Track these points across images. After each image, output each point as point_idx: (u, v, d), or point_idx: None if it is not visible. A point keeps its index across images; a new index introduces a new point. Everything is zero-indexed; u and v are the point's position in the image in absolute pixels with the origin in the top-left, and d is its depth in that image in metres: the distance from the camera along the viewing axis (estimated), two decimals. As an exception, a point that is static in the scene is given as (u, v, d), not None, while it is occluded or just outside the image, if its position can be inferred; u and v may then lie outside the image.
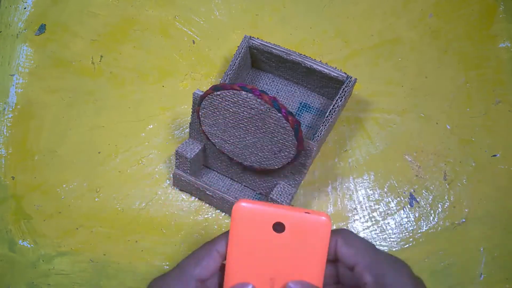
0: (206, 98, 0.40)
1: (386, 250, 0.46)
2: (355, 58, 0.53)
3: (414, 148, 0.49)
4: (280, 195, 0.43)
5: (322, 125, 0.43)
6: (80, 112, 0.53)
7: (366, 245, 0.31)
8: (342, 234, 0.31)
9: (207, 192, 0.45)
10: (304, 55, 0.45)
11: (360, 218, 0.48)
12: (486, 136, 0.49)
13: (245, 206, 0.30)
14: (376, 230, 0.47)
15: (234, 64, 0.46)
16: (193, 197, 0.49)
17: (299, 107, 0.50)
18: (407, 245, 0.46)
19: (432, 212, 0.47)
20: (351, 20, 0.54)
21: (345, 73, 0.45)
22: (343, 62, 0.53)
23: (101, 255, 0.47)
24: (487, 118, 0.50)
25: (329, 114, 0.43)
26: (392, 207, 0.48)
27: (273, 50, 0.46)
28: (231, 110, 0.39)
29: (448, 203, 0.47)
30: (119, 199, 0.49)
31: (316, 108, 0.49)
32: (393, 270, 0.30)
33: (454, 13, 0.54)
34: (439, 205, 0.47)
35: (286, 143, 0.39)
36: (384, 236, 0.47)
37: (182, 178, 0.46)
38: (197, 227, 0.48)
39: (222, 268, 0.32)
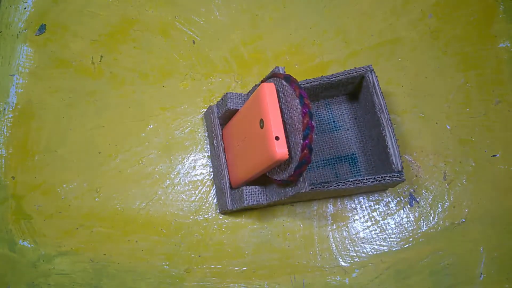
0: (274, 78, 0.40)
1: (386, 250, 0.46)
2: (355, 58, 0.53)
3: (413, 148, 0.49)
4: (251, 196, 0.43)
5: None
6: (80, 112, 0.53)
7: None
8: None
9: (214, 142, 0.47)
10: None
11: (360, 218, 0.48)
12: (485, 136, 0.49)
13: (265, 89, 0.37)
14: (376, 230, 0.47)
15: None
16: (193, 197, 0.49)
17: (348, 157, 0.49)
18: (407, 245, 0.47)
19: (432, 212, 0.47)
20: (351, 20, 0.55)
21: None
22: (343, 62, 0.53)
23: (101, 255, 0.47)
24: (486, 118, 0.50)
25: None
26: (392, 207, 0.48)
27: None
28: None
29: (448, 203, 0.48)
30: (119, 199, 0.49)
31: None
32: None
33: (454, 13, 0.54)
34: (439, 205, 0.48)
35: (286, 162, 0.38)
36: (384, 236, 0.47)
37: (211, 116, 0.47)
38: (197, 227, 0.48)
39: None
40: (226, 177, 0.45)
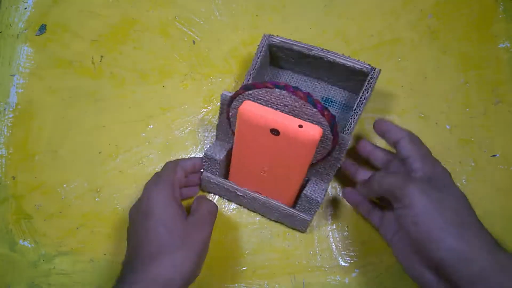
0: (237, 98, 0.39)
1: (386, 250, 0.46)
2: (355, 58, 0.53)
3: (413, 148, 0.49)
4: (314, 191, 0.42)
5: (351, 118, 0.42)
6: (80, 112, 0.53)
7: (424, 148, 0.40)
8: (409, 135, 0.40)
9: (237, 193, 0.45)
10: (327, 49, 0.45)
11: (360, 218, 0.48)
12: (485, 136, 0.49)
13: (248, 109, 0.37)
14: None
15: (256, 64, 0.45)
16: (193, 197, 0.49)
17: (321, 102, 0.49)
18: (407, 245, 0.47)
19: (431, 212, 0.47)
20: (351, 20, 0.55)
21: (369, 65, 0.44)
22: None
23: (101, 255, 0.48)
24: (486, 118, 0.50)
25: (357, 107, 0.43)
26: (391, 207, 0.48)
27: (294, 47, 0.46)
28: None
29: (447, 203, 0.48)
30: (120, 199, 0.49)
31: (339, 102, 0.49)
32: (441, 169, 0.39)
33: (453, 13, 0.54)
34: (439, 205, 0.47)
35: (322, 138, 0.38)
36: (383, 236, 0.47)
37: (212, 181, 0.46)
38: (197, 227, 0.48)
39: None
40: (279, 205, 0.44)
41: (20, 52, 0.55)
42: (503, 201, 0.47)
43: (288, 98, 0.37)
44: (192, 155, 0.51)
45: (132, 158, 0.51)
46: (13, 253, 0.48)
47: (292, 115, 0.38)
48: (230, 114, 0.41)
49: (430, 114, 0.50)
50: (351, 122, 0.42)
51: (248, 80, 0.45)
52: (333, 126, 0.38)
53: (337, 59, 0.44)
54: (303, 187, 0.44)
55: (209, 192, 0.49)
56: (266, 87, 0.37)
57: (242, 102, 0.39)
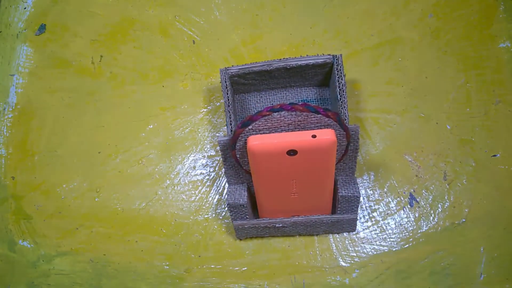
0: (239, 138, 0.39)
1: (386, 250, 0.46)
2: (355, 58, 0.53)
3: (414, 148, 0.49)
4: (348, 189, 0.42)
5: (342, 108, 0.43)
6: (80, 112, 0.53)
7: None
8: None
9: (276, 226, 0.44)
10: (284, 58, 0.45)
11: (360, 218, 0.48)
12: (486, 136, 0.49)
13: (258, 143, 0.36)
14: (376, 230, 0.47)
15: (228, 100, 0.44)
16: (193, 197, 0.49)
17: None
18: (407, 245, 0.47)
19: (432, 212, 0.47)
20: (351, 20, 0.55)
21: (330, 54, 0.44)
22: (343, 62, 0.53)
23: (101, 255, 0.47)
24: (487, 118, 0.50)
25: (340, 96, 0.43)
26: (392, 207, 0.48)
27: (254, 69, 0.45)
28: None
29: (448, 203, 0.48)
30: (119, 199, 0.49)
31: (314, 100, 0.50)
32: None
33: (454, 13, 0.54)
34: (439, 205, 0.47)
35: (337, 137, 0.39)
36: (384, 236, 0.47)
37: (246, 226, 0.44)
38: (197, 227, 0.48)
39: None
40: (321, 218, 0.44)
41: (19, 51, 0.55)
42: (503, 201, 0.47)
43: (289, 117, 0.37)
44: (192, 155, 0.51)
45: (132, 158, 0.51)
46: (12, 253, 0.48)
47: (299, 130, 0.38)
48: (238, 155, 0.41)
49: (430, 114, 0.50)
50: (344, 112, 0.43)
51: (230, 117, 0.44)
52: (341, 122, 0.38)
53: (299, 62, 0.44)
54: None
55: (247, 238, 0.48)
56: (263, 115, 0.37)
57: (245, 139, 0.39)
